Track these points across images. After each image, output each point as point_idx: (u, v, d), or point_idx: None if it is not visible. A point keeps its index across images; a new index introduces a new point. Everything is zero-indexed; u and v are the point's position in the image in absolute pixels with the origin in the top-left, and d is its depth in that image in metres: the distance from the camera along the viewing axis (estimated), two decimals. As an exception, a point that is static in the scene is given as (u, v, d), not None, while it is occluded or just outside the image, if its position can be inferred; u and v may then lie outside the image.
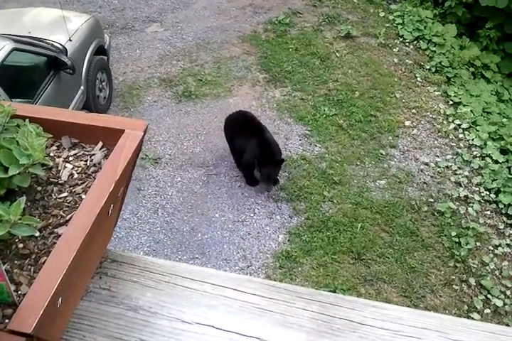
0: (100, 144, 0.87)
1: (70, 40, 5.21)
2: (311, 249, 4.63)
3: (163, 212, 4.85)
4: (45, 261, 0.70)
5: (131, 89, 6.20)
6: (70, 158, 0.86)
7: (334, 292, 4.32)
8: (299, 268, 4.50)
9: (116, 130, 0.84)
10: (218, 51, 6.89)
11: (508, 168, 5.56)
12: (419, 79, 6.74)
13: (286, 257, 4.57)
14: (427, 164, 5.57)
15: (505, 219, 5.17)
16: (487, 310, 4.47)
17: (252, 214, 4.91)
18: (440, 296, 4.48)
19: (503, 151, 5.75)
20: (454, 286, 4.56)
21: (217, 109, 6.03)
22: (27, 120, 0.83)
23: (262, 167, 4.89)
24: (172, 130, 5.68)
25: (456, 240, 4.84)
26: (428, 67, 6.84)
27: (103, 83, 5.84)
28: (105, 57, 5.95)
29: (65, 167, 0.85)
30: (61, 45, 5.05)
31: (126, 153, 0.81)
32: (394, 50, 7.11)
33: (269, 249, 4.65)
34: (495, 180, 5.41)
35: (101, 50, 5.82)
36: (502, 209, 5.23)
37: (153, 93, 6.18)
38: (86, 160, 0.86)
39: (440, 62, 6.82)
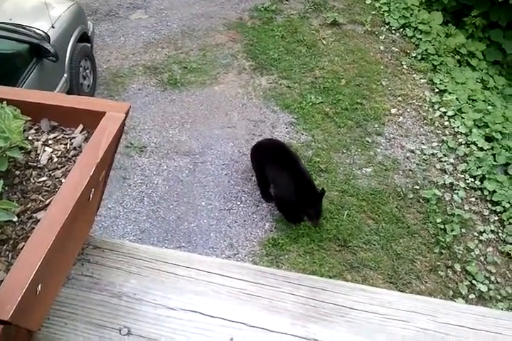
0: (81, 127, 0.85)
1: (53, 27, 5.12)
2: (298, 236, 4.64)
3: (148, 200, 4.82)
4: (23, 247, 0.68)
5: (115, 77, 6.13)
6: (50, 142, 0.84)
7: (321, 279, 4.33)
8: (286, 256, 4.51)
9: (98, 112, 0.82)
10: (204, 38, 6.83)
11: (493, 155, 5.60)
12: (405, 66, 6.74)
13: (273, 245, 4.58)
14: (412, 151, 5.59)
15: (489, 205, 5.22)
16: (472, 296, 4.52)
17: (238, 202, 4.90)
18: (426, 282, 4.53)
19: (488, 138, 5.79)
20: (439, 272, 4.60)
21: (202, 96, 5.98)
22: (4, 102, 0.81)
23: (305, 205, 4.47)
24: (157, 118, 5.63)
25: (442, 227, 4.88)
26: (414, 55, 6.84)
27: (87, 71, 5.76)
28: (89, 45, 5.86)
29: (44, 150, 0.82)
30: (44, 32, 4.96)
31: (107, 135, 0.79)
32: (380, 37, 7.09)
33: (255, 236, 4.65)
34: (480, 167, 5.44)
35: (84, 37, 5.73)
36: (487, 195, 5.27)
37: (138, 81, 6.11)
38: (66, 144, 0.83)
39: (426, 50, 6.82)
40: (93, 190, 0.80)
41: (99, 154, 0.76)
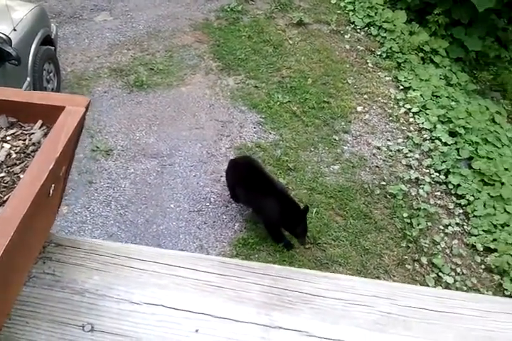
0: (40, 122, 0.84)
1: (15, 29, 5.02)
2: (268, 235, 4.65)
3: (116, 204, 4.77)
4: (-20, 243, 0.67)
5: (80, 80, 6.05)
6: (8, 138, 0.83)
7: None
8: (256, 255, 4.52)
9: (56, 107, 0.81)
10: (170, 39, 6.80)
11: (457, 149, 5.73)
12: (370, 65, 6.83)
13: (243, 244, 4.58)
14: (378, 148, 5.68)
15: (454, 199, 5.34)
16: (439, 288, 4.60)
17: (208, 204, 4.89)
18: (394, 276, 4.60)
19: (452, 133, 5.92)
20: (406, 266, 4.68)
21: (169, 98, 5.96)
22: (-41, 100, 0.80)
23: (290, 225, 4.44)
24: (124, 121, 5.58)
25: (408, 221, 4.97)
26: (379, 53, 6.94)
27: (50, 74, 5.66)
28: (52, 48, 5.76)
29: (2, 147, 0.81)
30: (5, 35, 4.86)
31: (66, 130, 0.78)
32: (345, 36, 7.18)
33: (225, 237, 4.65)
34: (444, 161, 5.56)
35: (48, 40, 5.64)
36: (451, 189, 5.39)
37: (104, 83, 6.05)
38: (25, 140, 0.82)
39: (391, 48, 6.94)
40: (53, 185, 0.79)
41: (58, 149, 0.76)
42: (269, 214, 4.47)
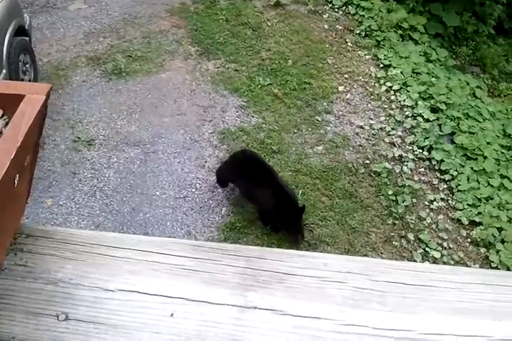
0: (0, 112, 0.83)
1: (-15, 21, 4.93)
2: (255, 218, 4.66)
3: (101, 194, 4.75)
4: None
5: (57, 70, 5.96)
6: (-32, 130, 0.81)
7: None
8: (244, 239, 4.53)
9: (16, 96, 0.80)
10: (147, 26, 6.70)
11: (439, 125, 5.75)
12: (349, 44, 6.80)
13: (231, 229, 4.59)
14: (361, 127, 5.68)
15: (438, 174, 5.37)
16: (426, 263, 4.66)
17: (193, 190, 4.88)
18: (381, 253, 4.64)
19: (434, 110, 5.93)
20: (393, 242, 4.73)
21: (149, 85, 5.90)
22: None
23: (284, 221, 4.35)
24: (104, 110, 5.52)
25: (394, 198, 5.00)
26: (358, 32, 6.91)
27: (26, 65, 5.56)
28: (27, 38, 5.65)
29: (-37, 139, 0.80)
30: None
31: (27, 118, 0.77)
32: (324, 16, 7.13)
33: (213, 222, 4.65)
34: (427, 138, 5.58)
35: (21, 31, 5.52)
36: (435, 165, 5.43)
37: (81, 73, 5.96)
38: (-15, 131, 0.81)
39: (369, 26, 6.91)
40: (18, 175, 0.78)
41: (19, 137, 0.74)
42: (265, 208, 4.43)
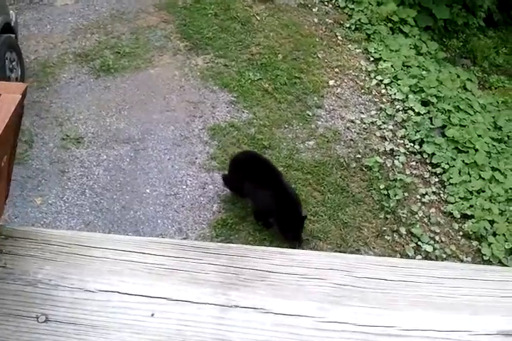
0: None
1: (-29, 19, 4.88)
2: (247, 215, 4.66)
3: (91, 192, 4.72)
4: None
5: (44, 67, 5.91)
6: None
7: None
8: (236, 235, 4.53)
9: (-9, 95, 0.79)
10: (134, 21, 6.65)
11: (430, 118, 5.76)
12: (339, 37, 6.78)
13: (223, 225, 4.58)
14: (352, 121, 5.68)
15: (429, 168, 5.39)
16: (418, 257, 4.68)
17: (184, 186, 4.87)
18: (374, 248, 4.65)
19: (424, 103, 5.94)
20: (386, 237, 4.74)
21: (138, 81, 5.86)
22: None
23: (284, 225, 4.35)
24: (92, 107, 5.48)
25: (385, 192, 5.01)
26: (348, 26, 6.89)
27: (13, 63, 5.51)
28: (13, 35, 5.60)
29: None
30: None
31: (2, 117, 0.76)
32: (313, 10, 7.10)
33: (204, 219, 4.64)
34: (418, 131, 5.59)
35: (7, 28, 5.47)
36: (426, 158, 5.44)
37: (69, 70, 5.92)
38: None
39: (359, 20, 6.89)
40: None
41: (-7, 138, 0.73)
42: (265, 209, 4.43)
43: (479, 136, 5.79)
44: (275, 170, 4.53)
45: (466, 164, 5.52)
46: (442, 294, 0.78)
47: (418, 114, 5.76)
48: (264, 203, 4.37)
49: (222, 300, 0.77)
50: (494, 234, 5.05)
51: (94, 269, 0.82)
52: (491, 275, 0.81)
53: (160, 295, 0.78)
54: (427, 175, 5.35)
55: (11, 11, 5.78)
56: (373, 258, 0.85)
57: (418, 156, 5.47)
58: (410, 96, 5.93)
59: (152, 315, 0.76)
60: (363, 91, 6.06)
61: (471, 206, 5.22)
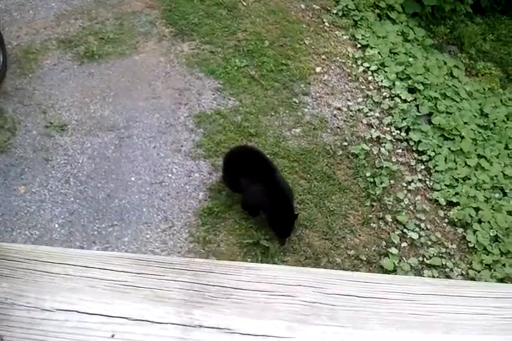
0: None
1: None
2: (233, 203, 4.63)
3: (75, 181, 4.66)
4: None
5: (27, 54, 5.78)
6: None
7: (257, 243, 4.38)
8: (222, 223, 4.51)
9: None
10: (119, 6, 6.51)
11: (416, 106, 5.73)
12: (326, 24, 6.70)
13: (209, 214, 4.56)
14: (339, 109, 5.64)
15: (416, 155, 5.38)
16: (404, 244, 4.69)
17: (170, 175, 4.82)
18: (359, 235, 4.65)
19: (411, 90, 5.90)
20: (371, 224, 4.74)
21: (123, 68, 5.76)
22: None
23: (275, 221, 4.37)
24: (76, 94, 5.39)
25: (371, 180, 5.00)
26: (335, 12, 6.79)
27: (-5, 49, 5.41)
28: (-6, 21, 5.50)
29: None
30: None
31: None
32: (300, -5, 7.00)
33: (190, 207, 4.61)
34: (404, 118, 5.57)
35: (-13, 13, 5.37)
36: (412, 146, 5.42)
37: (52, 56, 5.80)
38: None
39: (346, 6, 6.79)
40: None
41: None
42: (248, 199, 4.44)
43: (465, 123, 5.77)
44: (270, 164, 4.50)
45: (452, 151, 5.51)
46: (416, 312, 0.76)
47: (405, 101, 5.73)
48: (257, 198, 4.37)
49: (185, 320, 0.75)
50: (479, 221, 5.07)
51: (53, 286, 0.78)
52: (466, 291, 0.79)
53: (121, 314, 0.75)
54: (413, 162, 5.34)
55: (-9, -4, 5.66)
56: (345, 273, 0.82)
57: (404, 144, 5.46)
58: (397, 83, 5.89)
59: (112, 336, 0.74)
60: (349, 78, 6.01)
61: (457, 193, 5.23)
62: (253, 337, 0.74)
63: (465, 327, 0.74)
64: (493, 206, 5.21)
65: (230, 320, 0.75)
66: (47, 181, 4.63)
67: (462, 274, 4.69)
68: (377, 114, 5.62)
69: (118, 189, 4.66)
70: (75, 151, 4.89)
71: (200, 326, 0.74)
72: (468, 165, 5.45)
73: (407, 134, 5.49)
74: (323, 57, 6.22)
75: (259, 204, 4.41)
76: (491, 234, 4.96)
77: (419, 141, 5.42)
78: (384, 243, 4.66)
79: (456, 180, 5.32)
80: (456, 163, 5.43)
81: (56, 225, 4.33)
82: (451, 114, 5.78)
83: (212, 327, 0.74)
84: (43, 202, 4.49)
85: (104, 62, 5.78)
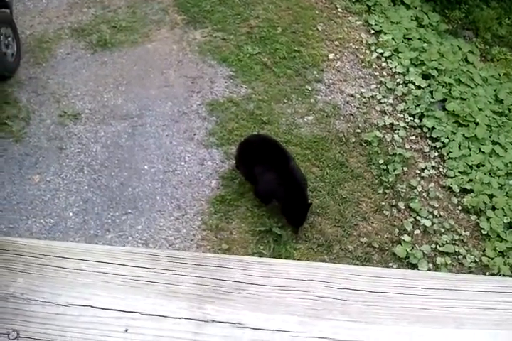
0: None
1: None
2: (245, 191, 4.64)
3: (89, 169, 4.70)
4: None
5: (40, 43, 5.80)
6: None
7: (270, 230, 4.40)
8: (235, 211, 4.53)
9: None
10: (131, -6, 6.50)
11: (430, 92, 5.67)
12: (340, 9, 6.62)
13: (221, 202, 4.58)
14: (352, 95, 5.60)
15: (429, 142, 5.33)
16: (417, 231, 4.68)
17: (182, 163, 4.84)
18: (372, 223, 4.65)
19: (425, 76, 5.83)
20: (384, 212, 4.73)
21: (135, 56, 5.76)
22: None
23: (288, 210, 4.39)
24: (90, 83, 5.41)
25: (384, 167, 4.98)
26: (348, -3, 6.72)
27: (9, 39, 5.41)
28: (8, 10, 5.48)
29: None
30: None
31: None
32: (312, -20, 6.92)
33: (203, 195, 4.63)
34: (418, 105, 5.51)
35: (2, 3, 5.36)
36: (426, 133, 5.37)
37: (66, 45, 5.81)
38: None
39: (360, -10, 6.71)
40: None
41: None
42: (270, 193, 4.43)
43: (480, 109, 5.70)
44: (287, 154, 4.48)
45: (466, 138, 5.46)
46: (427, 306, 0.76)
47: (419, 87, 5.67)
48: (272, 187, 4.37)
49: (198, 315, 0.76)
50: (493, 208, 5.03)
51: (67, 281, 0.79)
52: (477, 285, 0.79)
53: (134, 309, 0.76)
54: (426, 149, 5.30)
55: (5, -15, 5.65)
56: (356, 268, 0.82)
57: (418, 130, 5.41)
58: (411, 69, 5.83)
59: (126, 330, 0.75)
60: (363, 64, 5.95)
61: (471, 180, 5.19)
62: (265, 332, 0.74)
63: (476, 322, 0.74)
64: (507, 193, 5.17)
65: (242, 314, 0.76)
66: (61, 170, 4.67)
67: (475, 261, 4.67)
68: (390, 101, 5.57)
69: (131, 177, 4.69)
70: (89, 140, 4.92)
71: (213, 321, 0.75)
72: (483, 152, 5.39)
73: (421, 121, 5.44)
74: (336, 43, 6.16)
75: (273, 193, 4.41)
76: (505, 221, 4.93)
77: (433, 128, 5.37)
78: (397, 230, 4.66)
79: (470, 166, 5.27)
80: (470, 150, 5.38)
81: (71, 213, 4.38)
82: (465, 100, 5.71)
83: (224, 322, 0.75)
84: (58, 190, 4.54)
85: (116, 50, 5.78)
